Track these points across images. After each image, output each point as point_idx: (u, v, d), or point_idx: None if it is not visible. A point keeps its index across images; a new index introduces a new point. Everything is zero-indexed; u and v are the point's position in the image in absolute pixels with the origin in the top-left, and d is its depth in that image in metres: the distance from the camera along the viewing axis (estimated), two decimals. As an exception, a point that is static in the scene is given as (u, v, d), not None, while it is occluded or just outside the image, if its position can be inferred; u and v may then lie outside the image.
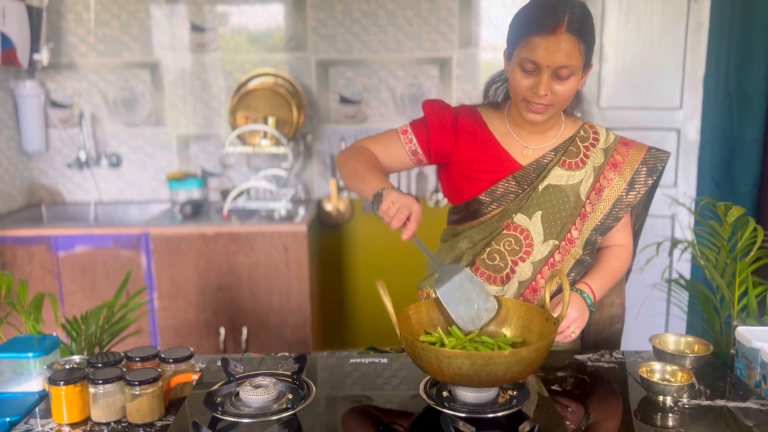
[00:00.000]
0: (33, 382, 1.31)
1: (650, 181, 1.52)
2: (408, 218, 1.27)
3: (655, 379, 1.27)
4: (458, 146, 1.53)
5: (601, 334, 1.64)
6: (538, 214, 1.47)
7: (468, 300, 1.31)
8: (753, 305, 1.64)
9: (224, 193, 3.26)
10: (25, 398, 1.27)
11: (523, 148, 1.51)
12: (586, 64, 1.39)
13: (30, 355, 1.29)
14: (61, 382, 1.17)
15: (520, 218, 1.48)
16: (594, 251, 1.54)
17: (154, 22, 3.20)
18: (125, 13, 3.18)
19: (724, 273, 1.69)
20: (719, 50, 2.96)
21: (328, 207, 3.35)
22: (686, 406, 1.23)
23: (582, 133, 1.53)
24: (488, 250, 1.49)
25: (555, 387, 1.31)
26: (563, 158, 1.50)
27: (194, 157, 3.33)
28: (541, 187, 1.48)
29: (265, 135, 3.05)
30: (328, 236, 3.40)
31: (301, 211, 3.02)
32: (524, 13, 1.39)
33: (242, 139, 3.11)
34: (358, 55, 3.22)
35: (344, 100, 3.28)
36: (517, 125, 1.52)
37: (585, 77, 1.42)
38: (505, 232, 1.49)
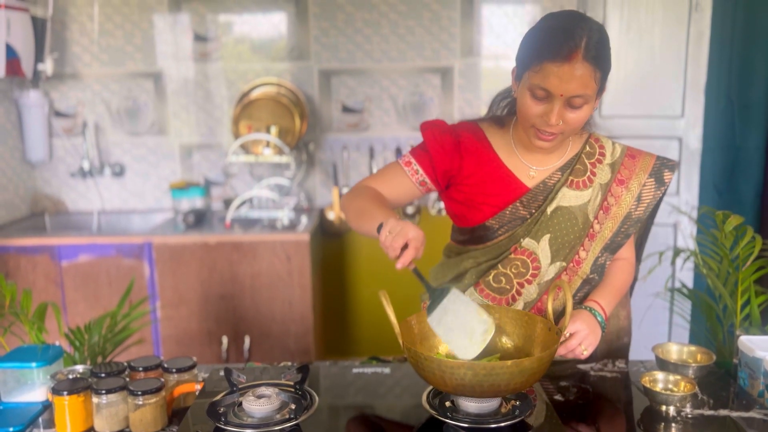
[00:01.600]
0: (36, 392, 1.31)
1: (659, 193, 1.47)
2: (406, 245, 1.18)
3: (658, 389, 1.26)
4: (463, 168, 1.46)
5: (610, 348, 1.60)
6: (546, 237, 1.42)
7: (461, 325, 1.20)
8: (756, 314, 1.64)
9: (227, 202, 3.27)
10: (28, 408, 1.28)
11: (529, 169, 1.45)
12: (601, 90, 1.31)
13: (33, 365, 1.29)
14: (65, 392, 1.17)
15: (528, 242, 1.43)
16: (602, 271, 1.50)
17: (157, 32, 3.21)
18: (129, 23, 3.20)
19: (726, 282, 1.69)
20: (720, 59, 2.97)
21: (331, 216, 3.35)
22: (689, 415, 1.23)
23: (588, 148, 1.47)
24: (494, 272, 1.45)
25: (558, 397, 1.31)
26: (570, 178, 1.44)
27: (197, 166, 3.34)
28: (549, 210, 1.42)
29: (267, 144, 3.06)
30: (331, 245, 3.40)
31: (304, 219, 3.03)
32: (537, 36, 1.29)
33: (245, 148, 3.12)
34: (360, 64, 3.24)
35: (346, 109, 3.29)
36: (523, 145, 1.45)
37: (598, 101, 1.34)
38: (512, 256, 1.44)
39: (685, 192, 3.13)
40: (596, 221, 1.45)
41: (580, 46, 1.22)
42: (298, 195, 3.33)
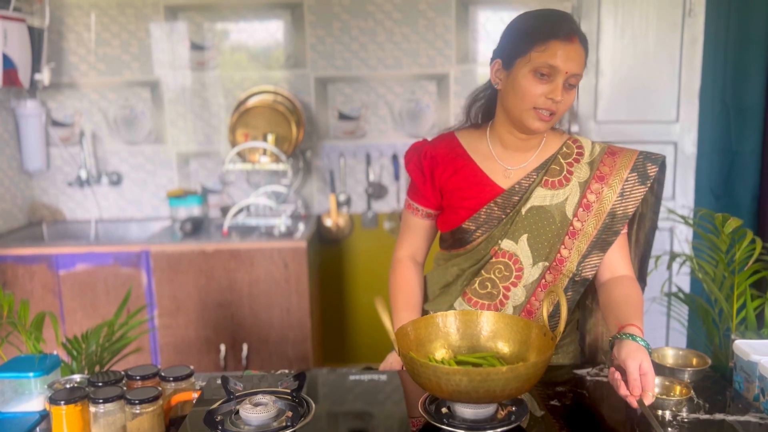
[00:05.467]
0: (34, 402, 1.31)
1: (644, 188, 1.46)
2: None
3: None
4: (442, 180, 1.52)
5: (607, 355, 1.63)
6: (524, 237, 1.46)
7: None
8: (751, 318, 1.64)
9: (224, 210, 3.28)
10: (26, 418, 1.28)
11: (505, 170, 1.49)
12: None
13: (31, 374, 1.30)
14: (62, 402, 1.17)
15: (506, 243, 1.46)
16: (593, 269, 1.49)
17: (154, 40, 3.23)
18: (125, 32, 3.21)
19: (722, 286, 1.69)
20: (715, 64, 2.98)
21: (328, 222, 3.36)
22: (685, 420, 1.23)
23: (565, 149, 1.50)
24: (479, 279, 1.49)
25: (554, 402, 1.31)
26: (545, 177, 1.47)
27: (194, 174, 3.35)
28: (524, 210, 1.45)
29: (264, 152, 3.07)
30: (328, 252, 3.41)
31: (301, 227, 3.03)
32: (536, 22, 1.37)
33: (242, 156, 3.13)
34: (356, 71, 3.25)
35: (343, 117, 3.30)
36: (501, 144, 1.49)
37: None
38: (493, 260, 1.48)
39: (681, 196, 3.14)
40: (576, 219, 1.46)
41: (577, 31, 1.35)
42: (295, 202, 3.33)
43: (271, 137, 3.07)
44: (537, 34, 1.33)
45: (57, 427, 1.18)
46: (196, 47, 3.24)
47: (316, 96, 3.28)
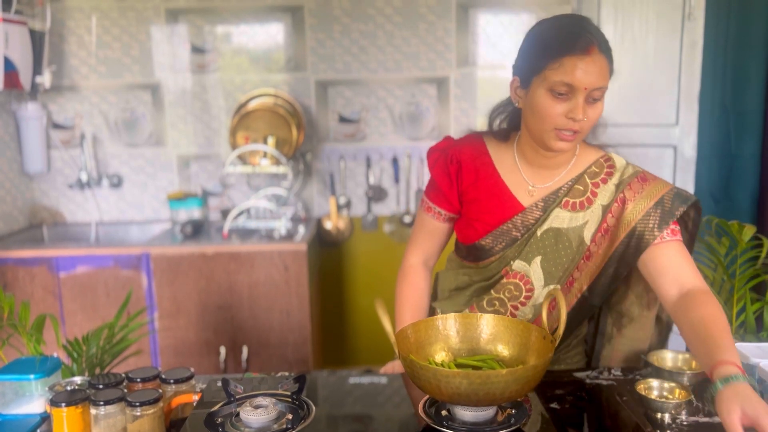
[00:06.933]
0: (35, 404, 1.31)
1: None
2: None
3: (653, 396, 1.27)
4: (464, 186, 1.48)
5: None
6: (538, 259, 1.40)
7: None
8: (751, 321, 1.65)
9: (224, 213, 3.28)
10: (26, 420, 1.28)
11: (528, 187, 1.42)
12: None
13: (31, 376, 1.30)
14: (63, 404, 1.17)
15: (518, 265, 1.42)
16: (602, 294, 1.42)
17: (154, 43, 3.23)
18: (126, 35, 3.22)
19: (721, 289, 1.70)
20: (714, 67, 2.99)
21: (328, 225, 3.36)
22: (685, 423, 1.23)
23: (594, 168, 1.41)
24: (487, 298, 1.47)
25: (554, 405, 1.31)
26: (566, 198, 1.39)
27: (195, 176, 3.35)
28: (539, 232, 1.40)
29: (264, 155, 3.08)
30: (328, 254, 3.41)
31: (301, 229, 3.03)
32: (549, 35, 1.28)
33: (242, 158, 3.13)
34: (356, 74, 3.26)
35: (343, 120, 3.31)
36: (527, 160, 1.42)
37: None
38: (504, 280, 1.44)
39: (680, 200, 3.14)
40: (593, 243, 1.40)
41: (596, 39, 1.24)
42: (296, 205, 3.34)
43: (271, 140, 3.08)
44: (550, 50, 1.25)
45: (58, 429, 1.19)
46: (197, 50, 3.24)
47: (317, 99, 3.29)
